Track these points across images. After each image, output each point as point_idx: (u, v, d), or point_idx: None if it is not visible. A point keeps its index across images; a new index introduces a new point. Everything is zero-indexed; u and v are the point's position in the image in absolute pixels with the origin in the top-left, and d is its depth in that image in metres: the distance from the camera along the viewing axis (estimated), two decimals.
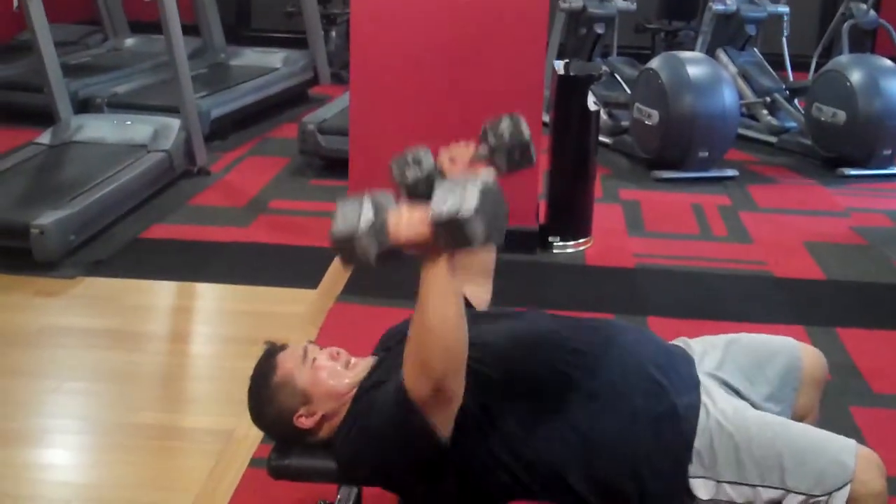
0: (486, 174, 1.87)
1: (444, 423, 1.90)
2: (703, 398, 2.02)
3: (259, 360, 2.20)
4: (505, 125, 2.13)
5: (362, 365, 2.16)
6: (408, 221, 1.84)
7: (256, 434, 2.67)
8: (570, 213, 4.91)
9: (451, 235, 1.80)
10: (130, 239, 4.85)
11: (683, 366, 2.11)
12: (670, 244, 5.01)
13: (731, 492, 1.92)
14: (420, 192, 2.08)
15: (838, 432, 1.98)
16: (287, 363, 2.14)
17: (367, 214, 1.86)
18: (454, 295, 1.85)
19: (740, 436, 1.94)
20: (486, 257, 2.40)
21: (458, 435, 1.92)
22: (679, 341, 2.27)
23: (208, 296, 4.39)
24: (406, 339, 1.89)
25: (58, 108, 5.85)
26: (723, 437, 1.95)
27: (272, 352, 2.20)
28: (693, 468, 1.95)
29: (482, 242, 1.81)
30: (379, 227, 1.86)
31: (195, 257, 4.69)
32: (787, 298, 4.37)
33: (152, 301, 4.29)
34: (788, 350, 2.23)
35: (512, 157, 2.13)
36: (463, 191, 1.80)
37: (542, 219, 4.86)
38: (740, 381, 2.14)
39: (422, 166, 2.12)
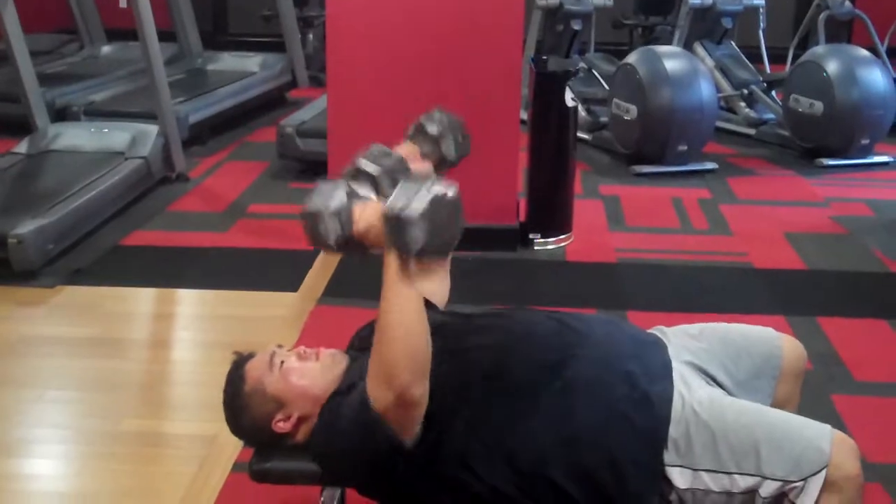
0: (449, 184, 1.84)
1: (409, 429, 1.90)
2: (679, 386, 2.03)
3: (228, 372, 2.18)
4: (438, 115, 2.30)
5: (332, 356, 2.15)
6: (366, 212, 1.89)
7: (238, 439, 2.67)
8: (550, 210, 4.91)
9: (393, 233, 1.80)
10: (110, 246, 4.83)
11: (656, 354, 2.12)
12: (651, 238, 5.02)
13: (708, 480, 1.92)
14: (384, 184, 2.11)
15: (820, 420, 1.99)
16: (255, 371, 2.14)
17: (339, 198, 1.90)
18: (415, 301, 1.85)
19: (716, 424, 1.94)
20: None
21: (430, 442, 1.93)
22: (656, 330, 2.27)
23: (189, 301, 4.37)
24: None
25: (34, 117, 5.81)
26: (699, 426, 1.95)
27: (240, 362, 2.19)
28: (670, 456, 1.95)
29: (420, 249, 1.79)
30: (345, 212, 1.89)
31: (175, 263, 4.68)
32: (768, 289, 4.38)
33: (133, 308, 4.28)
34: (767, 340, 2.24)
35: (457, 140, 2.28)
36: (416, 192, 1.79)
37: (522, 216, 4.86)
38: (718, 369, 2.15)
39: (390, 158, 2.14)
